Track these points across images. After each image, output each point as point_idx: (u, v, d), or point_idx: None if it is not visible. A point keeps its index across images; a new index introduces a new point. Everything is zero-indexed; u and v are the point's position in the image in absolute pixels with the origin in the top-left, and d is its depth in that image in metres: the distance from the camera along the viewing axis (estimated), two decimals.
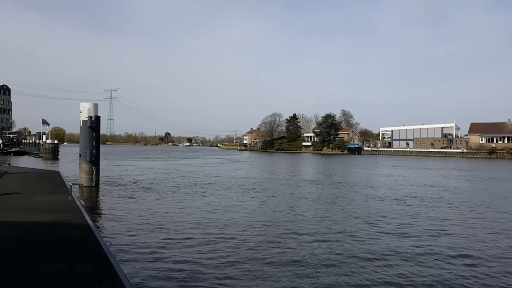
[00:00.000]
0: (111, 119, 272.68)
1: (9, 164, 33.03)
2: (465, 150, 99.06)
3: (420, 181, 31.72)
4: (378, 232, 12.78)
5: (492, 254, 10.45)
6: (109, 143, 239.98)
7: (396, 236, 12.25)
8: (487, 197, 22.12)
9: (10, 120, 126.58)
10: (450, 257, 10.09)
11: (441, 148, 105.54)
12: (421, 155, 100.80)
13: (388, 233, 12.70)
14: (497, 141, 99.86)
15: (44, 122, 71.32)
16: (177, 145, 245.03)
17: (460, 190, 25.46)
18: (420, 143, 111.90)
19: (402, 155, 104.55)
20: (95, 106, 22.47)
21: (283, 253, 10.14)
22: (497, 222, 14.96)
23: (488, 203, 19.90)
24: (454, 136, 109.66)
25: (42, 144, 67.42)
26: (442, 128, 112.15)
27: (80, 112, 22.22)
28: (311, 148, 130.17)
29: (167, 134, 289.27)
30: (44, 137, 72.84)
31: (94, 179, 22.49)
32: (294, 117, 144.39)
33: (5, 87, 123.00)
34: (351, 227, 13.48)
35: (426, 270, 9.01)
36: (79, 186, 21.96)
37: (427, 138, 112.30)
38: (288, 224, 13.88)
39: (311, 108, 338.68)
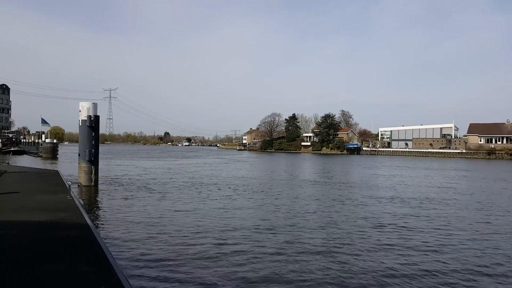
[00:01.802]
0: (110, 118, 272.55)
1: (8, 163, 33.02)
2: (464, 151, 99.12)
3: (429, 182, 31.36)
4: (389, 237, 12.76)
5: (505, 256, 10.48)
6: (108, 142, 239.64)
7: (412, 247, 11.20)
8: (499, 199, 21.99)
9: (9, 119, 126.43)
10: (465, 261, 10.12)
11: (440, 148, 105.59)
12: (420, 155, 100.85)
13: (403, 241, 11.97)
14: (496, 142, 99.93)
15: (44, 122, 71.46)
16: (176, 145, 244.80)
17: (473, 192, 25.22)
18: (419, 143, 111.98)
19: (401, 155, 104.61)
20: (94, 105, 22.46)
21: (287, 255, 10.09)
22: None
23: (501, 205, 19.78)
24: (453, 137, 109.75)
25: (41, 144, 67.34)
26: (441, 128, 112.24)
27: (79, 111, 22.21)
28: (310, 148, 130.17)
29: (166, 133, 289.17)
30: (43, 136, 72.76)
31: (93, 179, 22.48)
32: (293, 117, 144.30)
33: (4, 86, 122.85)
34: (361, 231, 13.48)
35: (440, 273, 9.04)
36: (78, 185, 21.98)
37: (426, 138, 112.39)
38: (293, 226, 13.76)
39: (311, 108, 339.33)
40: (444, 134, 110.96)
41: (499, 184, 30.87)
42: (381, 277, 8.53)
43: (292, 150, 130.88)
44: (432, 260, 9.89)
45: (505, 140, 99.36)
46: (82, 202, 13.14)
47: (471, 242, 11.88)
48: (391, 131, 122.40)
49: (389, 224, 14.12)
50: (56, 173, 24.02)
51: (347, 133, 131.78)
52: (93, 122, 22.18)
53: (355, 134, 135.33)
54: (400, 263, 9.54)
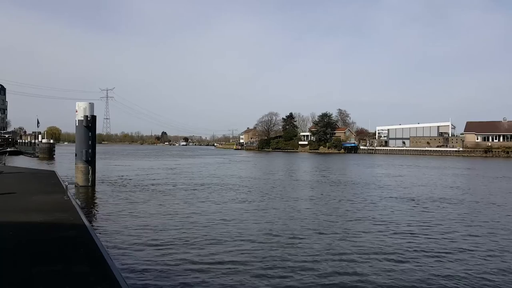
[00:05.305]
0: (107, 118, 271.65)
1: (4, 164, 32.85)
2: (461, 149, 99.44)
3: (437, 181, 30.90)
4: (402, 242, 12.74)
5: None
6: (105, 142, 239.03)
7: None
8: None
9: (6, 120, 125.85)
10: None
11: (437, 146, 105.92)
12: (418, 154, 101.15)
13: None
14: (492, 140, 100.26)
15: (38, 122, 72.30)
16: (174, 145, 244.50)
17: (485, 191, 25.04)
18: (416, 142, 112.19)
19: (399, 153, 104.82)
20: (91, 105, 22.39)
21: (293, 259, 9.94)
22: None
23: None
24: (450, 135, 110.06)
25: (37, 144, 67.12)
26: (438, 127, 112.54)
27: (76, 111, 22.14)
28: (308, 147, 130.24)
29: (164, 133, 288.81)
30: (39, 136, 72.52)
31: (90, 179, 22.42)
32: (290, 116, 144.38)
33: (0, 86, 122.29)
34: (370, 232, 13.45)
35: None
36: (75, 186, 21.91)
37: (423, 137, 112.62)
38: (299, 229, 13.59)
39: (308, 107, 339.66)
40: (441, 133, 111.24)
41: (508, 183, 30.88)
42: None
43: (289, 149, 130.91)
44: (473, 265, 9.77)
45: (501, 138, 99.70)
46: (79, 203, 13.11)
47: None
48: (388, 129, 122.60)
49: (404, 227, 14.08)
50: (52, 174, 23.95)
51: (344, 132, 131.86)
52: (89, 122, 22.11)
53: (353, 133, 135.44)
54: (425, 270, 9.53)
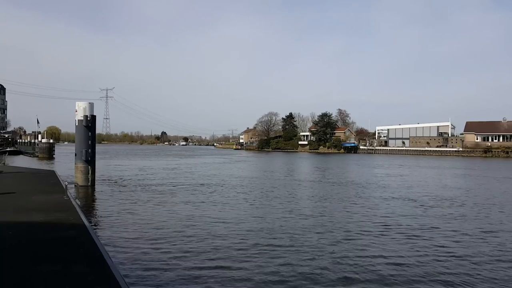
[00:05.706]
0: (107, 118, 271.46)
1: (4, 163, 32.83)
2: (461, 149, 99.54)
3: (443, 182, 31.20)
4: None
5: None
6: (105, 142, 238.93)
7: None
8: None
9: (5, 120, 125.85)
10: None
11: (437, 146, 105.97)
12: (417, 154, 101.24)
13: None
14: (492, 140, 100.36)
15: (38, 122, 72.65)
16: (173, 145, 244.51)
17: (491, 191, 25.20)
18: (416, 141, 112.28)
19: (398, 153, 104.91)
20: (91, 105, 22.38)
21: (291, 261, 9.95)
22: None
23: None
24: (449, 135, 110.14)
25: (37, 144, 67.12)
26: (437, 127, 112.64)
27: (76, 111, 22.13)
28: (307, 147, 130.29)
29: (163, 133, 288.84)
30: (39, 136, 72.54)
31: (89, 179, 22.40)
32: (290, 116, 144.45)
33: (0, 86, 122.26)
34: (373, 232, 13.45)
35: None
36: (75, 185, 21.90)
37: (423, 137, 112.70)
38: (304, 229, 13.66)
39: (307, 107, 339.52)
40: (441, 133, 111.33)
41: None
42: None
43: (289, 149, 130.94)
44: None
45: (501, 138, 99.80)
46: (78, 203, 13.11)
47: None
48: (388, 129, 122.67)
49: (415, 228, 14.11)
50: (52, 173, 23.94)
51: (344, 132, 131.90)
52: (89, 122, 22.09)
53: (352, 133, 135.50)
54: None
